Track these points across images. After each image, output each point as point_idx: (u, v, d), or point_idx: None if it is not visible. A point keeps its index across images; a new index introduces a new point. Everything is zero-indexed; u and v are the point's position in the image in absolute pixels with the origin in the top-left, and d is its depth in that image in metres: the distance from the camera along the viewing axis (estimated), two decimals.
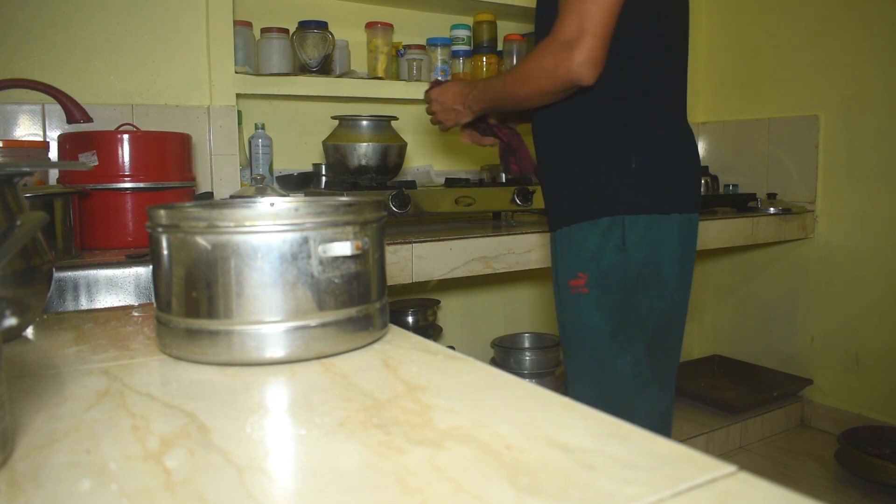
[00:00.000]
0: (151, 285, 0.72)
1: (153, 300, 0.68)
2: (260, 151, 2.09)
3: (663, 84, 1.26)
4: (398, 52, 2.29)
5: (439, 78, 1.40)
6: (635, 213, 1.21)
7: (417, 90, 2.24)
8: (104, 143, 1.51)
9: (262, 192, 1.63)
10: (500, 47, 2.45)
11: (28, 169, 0.74)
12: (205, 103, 1.95)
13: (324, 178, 2.13)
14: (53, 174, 1.64)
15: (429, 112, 1.51)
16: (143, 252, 1.43)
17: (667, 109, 1.26)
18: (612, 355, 1.21)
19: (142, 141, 1.54)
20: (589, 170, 1.23)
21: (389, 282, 1.56)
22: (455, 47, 2.35)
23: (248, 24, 2.06)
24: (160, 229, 0.64)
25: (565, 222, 1.26)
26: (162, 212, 0.64)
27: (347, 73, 2.20)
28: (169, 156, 1.59)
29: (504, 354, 2.40)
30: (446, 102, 1.43)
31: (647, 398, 1.22)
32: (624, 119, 1.22)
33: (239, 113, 2.04)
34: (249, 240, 0.61)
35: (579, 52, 1.13)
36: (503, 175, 2.40)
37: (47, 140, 1.74)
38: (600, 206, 1.22)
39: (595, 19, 1.12)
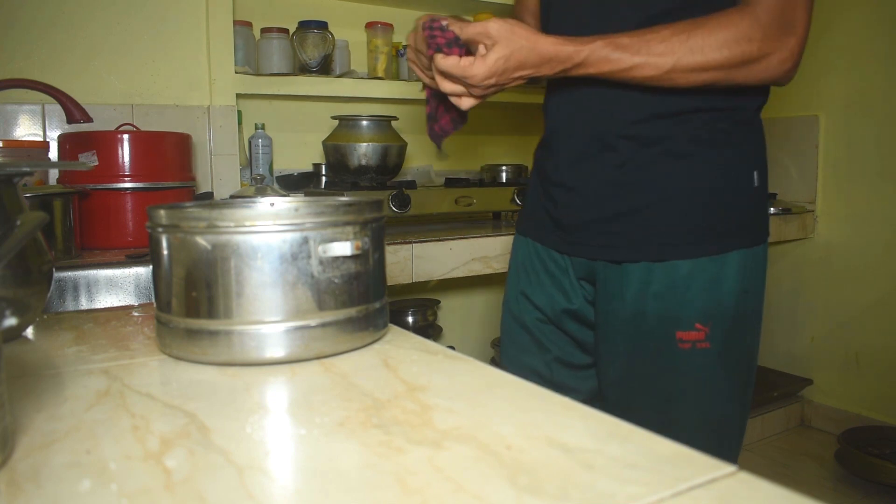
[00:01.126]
0: (151, 285, 0.72)
1: (153, 300, 0.68)
2: (260, 151, 2.09)
3: None
4: (398, 52, 2.29)
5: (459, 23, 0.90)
6: (757, 244, 0.95)
7: (418, 90, 2.24)
8: (104, 143, 1.51)
9: (262, 192, 1.63)
10: None
11: (28, 169, 0.74)
12: (205, 103, 1.95)
13: (324, 178, 2.13)
14: (53, 174, 1.64)
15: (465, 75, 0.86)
16: (143, 252, 1.43)
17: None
18: (732, 413, 0.98)
19: (142, 141, 1.54)
20: (703, 183, 0.93)
21: (389, 282, 1.56)
22: None
23: (248, 24, 2.06)
24: (160, 229, 0.64)
25: (657, 255, 0.93)
26: (162, 212, 0.64)
27: (347, 73, 2.20)
28: (169, 156, 1.59)
29: None
30: (526, 60, 0.85)
31: (741, 442, 1.03)
32: (747, 117, 0.95)
33: (239, 113, 2.04)
34: (249, 240, 0.61)
35: (798, 43, 0.85)
36: (503, 175, 2.40)
37: (47, 140, 1.74)
38: (723, 236, 0.93)
39: (811, 2, 0.85)
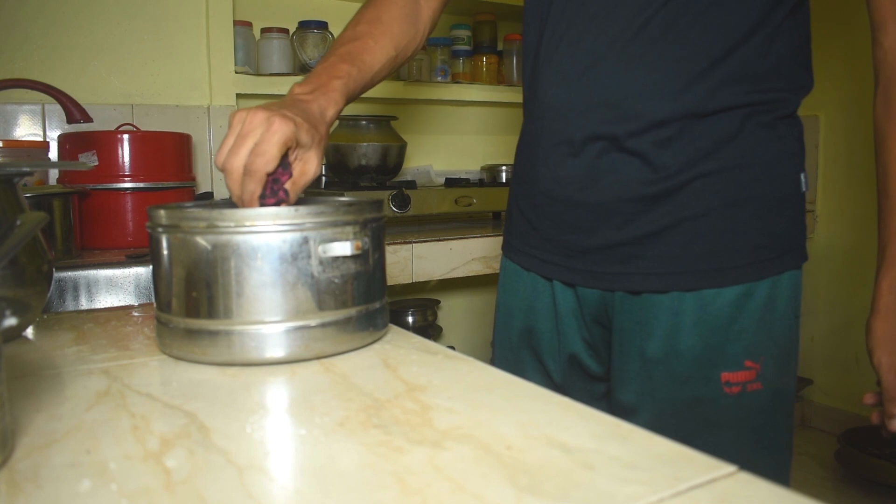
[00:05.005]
0: (151, 285, 0.72)
1: (153, 300, 0.68)
2: None
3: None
4: None
5: None
6: (804, 261, 0.84)
7: (417, 90, 2.24)
8: (104, 143, 1.50)
9: None
10: (500, 47, 2.45)
11: (28, 169, 0.74)
12: (205, 103, 1.95)
13: (324, 178, 2.13)
14: (53, 174, 1.64)
15: None
16: (143, 252, 1.43)
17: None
18: (783, 462, 0.85)
19: (142, 141, 1.54)
20: (750, 192, 0.79)
21: (389, 282, 1.56)
22: (455, 47, 2.35)
23: (248, 24, 2.06)
24: (160, 229, 0.64)
25: (698, 282, 0.79)
26: (162, 212, 0.64)
27: None
28: (169, 156, 1.59)
29: None
30: None
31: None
32: (790, 110, 0.83)
33: None
34: (249, 240, 0.61)
35: None
36: (503, 175, 2.40)
37: (47, 140, 1.74)
38: (779, 254, 0.81)
39: None
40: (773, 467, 0.83)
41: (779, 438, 0.83)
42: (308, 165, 0.70)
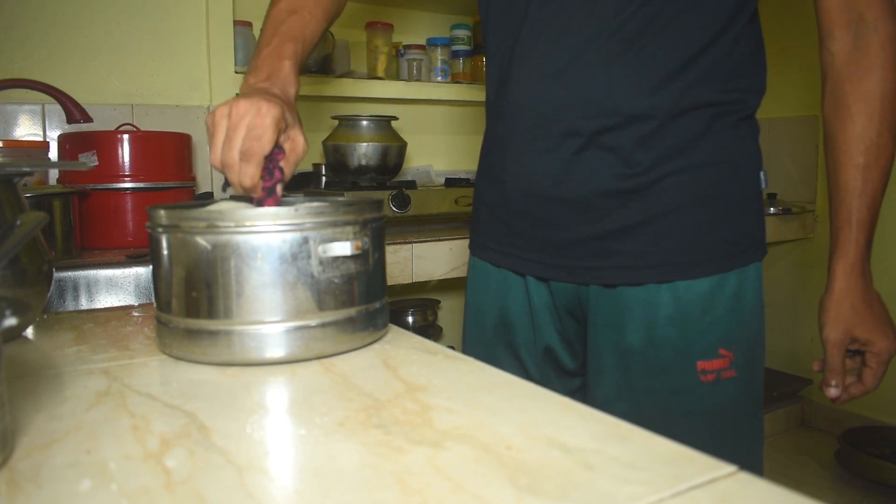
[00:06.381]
0: (151, 285, 0.72)
1: (153, 300, 0.68)
2: None
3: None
4: (398, 52, 2.29)
5: None
6: (765, 254, 0.88)
7: (417, 90, 2.24)
8: (104, 143, 1.50)
9: None
10: None
11: (28, 169, 0.74)
12: (205, 103, 1.95)
13: (324, 178, 2.13)
14: (53, 174, 1.64)
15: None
16: (143, 252, 1.43)
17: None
18: (757, 450, 0.89)
19: (142, 141, 1.54)
20: (718, 188, 0.83)
21: (389, 282, 1.56)
22: (455, 47, 2.35)
23: (248, 24, 2.06)
24: (160, 229, 0.65)
25: (672, 274, 0.82)
26: (162, 212, 0.64)
27: (347, 73, 2.20)
28: (169, 156, 1.59)
29: None
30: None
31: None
32: (750, 111, 0.87)
33: None
34: (249, 240, 0.61)
35: None
36: None
37: (47, 140, 1.74)
38: (746, 247, 0.85)
39: None
40: (751, 456, 0.87)
41: (751, 425, 0.87)
42: (296, 142, 0.72)
